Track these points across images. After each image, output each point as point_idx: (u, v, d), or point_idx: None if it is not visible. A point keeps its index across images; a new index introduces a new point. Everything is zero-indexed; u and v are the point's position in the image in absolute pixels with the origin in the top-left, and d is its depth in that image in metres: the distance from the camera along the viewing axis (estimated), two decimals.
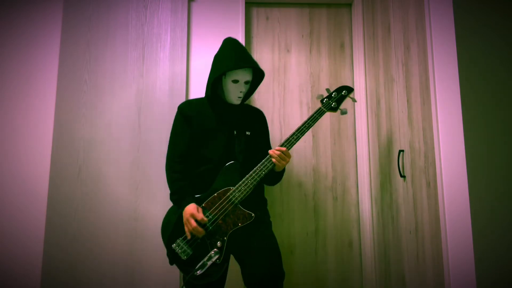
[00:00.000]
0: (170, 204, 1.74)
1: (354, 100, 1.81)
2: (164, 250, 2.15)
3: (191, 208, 1.52)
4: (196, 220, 1.50)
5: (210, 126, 1.71)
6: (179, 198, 1.61)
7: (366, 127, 2.38)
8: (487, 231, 1.29)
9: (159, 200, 2.19)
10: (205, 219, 1.51)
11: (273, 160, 1.58)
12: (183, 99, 2.27)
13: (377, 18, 2.18)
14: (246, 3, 2.49)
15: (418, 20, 1.63)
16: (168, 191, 2.18)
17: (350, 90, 1.77)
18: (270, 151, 1.61)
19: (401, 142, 1.84)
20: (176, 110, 1.83)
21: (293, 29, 2.56)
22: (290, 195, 2.40)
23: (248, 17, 2.54)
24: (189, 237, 1.51)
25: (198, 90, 2.32)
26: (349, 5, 2.59)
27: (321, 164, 2.44)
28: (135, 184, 2.20)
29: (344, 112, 1.75)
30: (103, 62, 2.30)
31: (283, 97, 2.49)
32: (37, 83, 2.31)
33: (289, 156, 1.62)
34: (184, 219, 1.53)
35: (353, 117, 2.49)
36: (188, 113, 1.74)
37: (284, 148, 1.60)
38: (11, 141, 2.25)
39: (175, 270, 2.14)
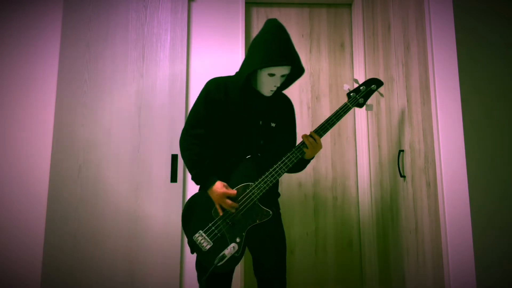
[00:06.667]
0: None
1: (381, 95, 1.68)
2: (163, 251, 2.16)
3: (220, 186, 1.53)
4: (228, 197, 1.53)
5: (236, 113, 1.62)
6: (203, 179, 1.59)
7: (366, 127, 2.38)
8: (487, 231, 1.29)
9: (159, 200, 2.19)
10: (235, 191, 1.53)
11: (307, 142, 1.56)
12: (183, 99, 2.27)
13: (377, 18, 2.18)
14: (246, 3, 2.49)
15: (418, 20, 1.63)
16: (167, 191, 2.17)
17: (379, 84, 1.62)
18: (303, 135, 1.58)
19: (401, 142, 1.83)
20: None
21: (293, 29, 2.55)
22: (290, 195, 2.40)
23: (248, 17, 2.53)
24: (220, 213, 1.55)
25: (199, 90, 2.32)
26: (349, 5, 2.58)
27: (321, 164, 2.44)
28: (135, 184, 2.20)
29: (369, 108, 1.62)
30: (103, 62, 2.30)
31: None
32: (37, 83, 2.31)
33: (320, 144, 1.59)
34: (215, 198, 1.54)
35: (353, 117, 2.49)
36: (214, 96, 1.63)
37: (316, 136, 1.58)
38: (11, 141, 2.25)
39: (175, 270, 2.14)
